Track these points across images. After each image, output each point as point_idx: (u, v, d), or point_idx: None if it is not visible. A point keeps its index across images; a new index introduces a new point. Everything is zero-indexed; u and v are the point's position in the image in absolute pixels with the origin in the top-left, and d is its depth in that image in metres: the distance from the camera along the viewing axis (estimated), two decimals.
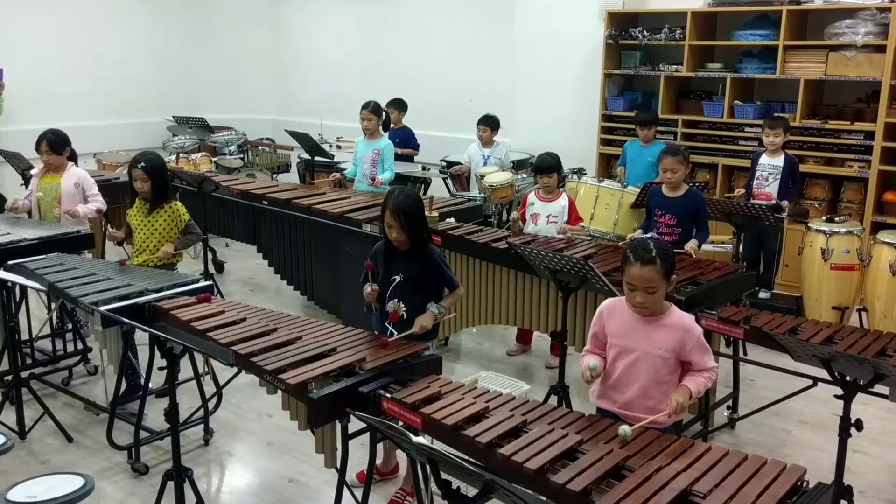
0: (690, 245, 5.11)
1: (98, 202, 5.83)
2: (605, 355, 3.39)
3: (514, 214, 5.90)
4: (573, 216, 5.66)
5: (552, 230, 5.59)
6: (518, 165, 8.08)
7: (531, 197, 5.79)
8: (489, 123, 7.63)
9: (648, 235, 5.07)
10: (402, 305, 3.95)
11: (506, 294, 5.29)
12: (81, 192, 5.78)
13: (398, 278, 3.95)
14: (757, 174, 6.54)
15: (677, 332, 3.23)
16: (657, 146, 6.85)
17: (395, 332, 3.90)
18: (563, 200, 5.66)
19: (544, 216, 5.64)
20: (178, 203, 5.21)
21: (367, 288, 3.97)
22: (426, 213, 5.50)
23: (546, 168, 5.62)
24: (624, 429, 2.92)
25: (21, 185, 7.07)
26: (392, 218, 3.85)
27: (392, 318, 3.97)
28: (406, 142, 8.51)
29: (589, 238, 5.82)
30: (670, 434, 3.09)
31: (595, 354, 3.43)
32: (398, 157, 8.17)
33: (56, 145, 5.73)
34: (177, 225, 5.14)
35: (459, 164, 7.92)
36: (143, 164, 4.99)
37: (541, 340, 6.08)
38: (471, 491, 2.53)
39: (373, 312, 4.11)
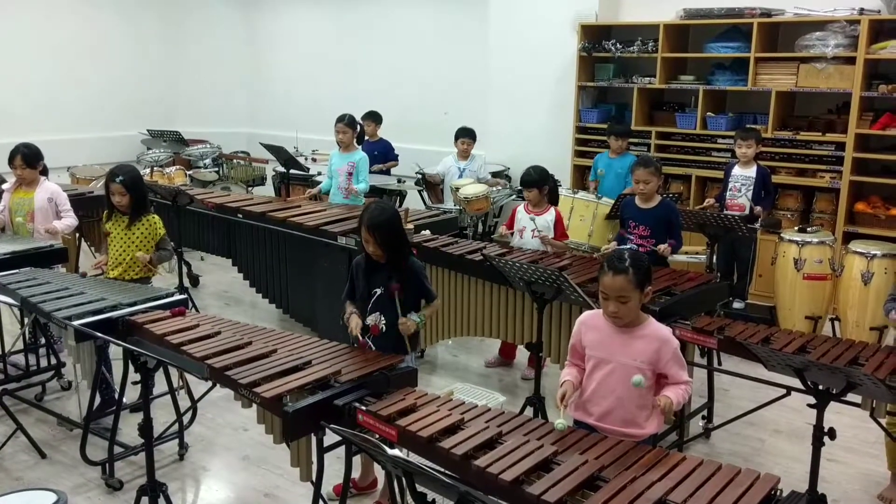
0: (663, 247, 5.16)
1: (71, 217, 5.81)
2: (584, 366, 3.41)
3: (502, 229, 5.90)
4: (559, 231, 5.62)
5: (537, 244, 5.59)
6: (493, 177, 8.11)
7: (519, 209, 5.75)
8: (470, 136, 7.66)
9: (627, 247, 5.10)
10: (383, 319, 3.95)
11: (481, 306, 5.29)
12: (54, 207, 5.76)
13: (378, 292, 3.95)
14: (730, 185, 6.59)
15: (654, 343, 3.25)
16: (627, 158, 6.91)
17: (374, 346, 3.92)
18: (549, 215, 5.60)
19: (530, 230, 5.63)
20: (156, 216, 5.19)
21: (353, 324, 3.97)
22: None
23: (528, 182, 5.59)
24: (561, 423, 3.06)
25: None
26: (367, 233, 3.87)
27: (372, 332, 3.97)
28: (386, 154, 8.54)
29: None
30: (645, 445, 3.10)
31: (574, 366, 3.46)
32: (380, 171, 8.19)
33: (30, 159, 5.70)
34: (153, 238, 5.12)
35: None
36: (121, 177, 4.97)
37: (522, 356, 6.08)
38: (446, 503, 2.52)
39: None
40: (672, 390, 3.24)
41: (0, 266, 4.97)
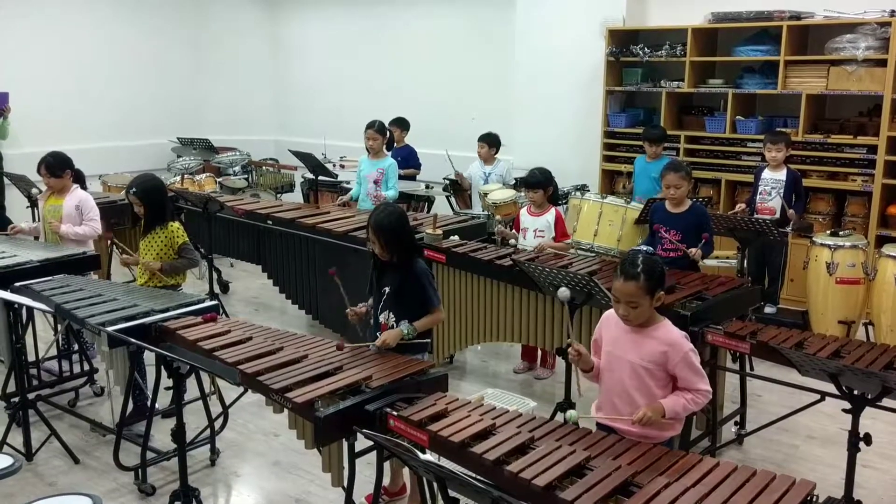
0: (694, 250, 5.12)
1: (90, 227, 5.76)
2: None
3: (499, 227, 5.97)
4: (559, 231, 5.67)
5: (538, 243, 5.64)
6: (520, 182, 8.09)
7: (523, 212, 5.85)
8: (487, 140, 7.65)
9: (645, 248, 5.07)
10: (392, 316, 4.02)
11: (510, 311, 5.28)
12: (80, 215, 5.78)
13: (387, 290, 4.02)
14: (760, 189, 6.54)
15: (662, 345, 3.24)
16: (662, 162, 6.86)
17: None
18: (549, 216, 5.67)
19: (531, 230, 5.70)
20: (176, 224, 5.19)
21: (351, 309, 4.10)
22: (430, 231, 5.58)
23: (532, 183, 5.68)
24: (571, 413, 3.08)
25: (27, 207, 7.10)
26: (373, 234, 3.99)
27: (382, 329, 4.04)
28: (408, 161, 8.54)
29: (581, 254, 5.84)
30: (669, 449, 3.08)
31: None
32: (400, 177, 8.20)
33: (54, 168, 5.71)
34: (171, 246, 5.14)
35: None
36: (134, 189, 5.05)
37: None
38: None
39: (369, 325, 4.20)
40: (672, 398, 3.23)
41: (34, 273, 5.03)
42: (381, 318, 4.05)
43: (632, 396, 3.26)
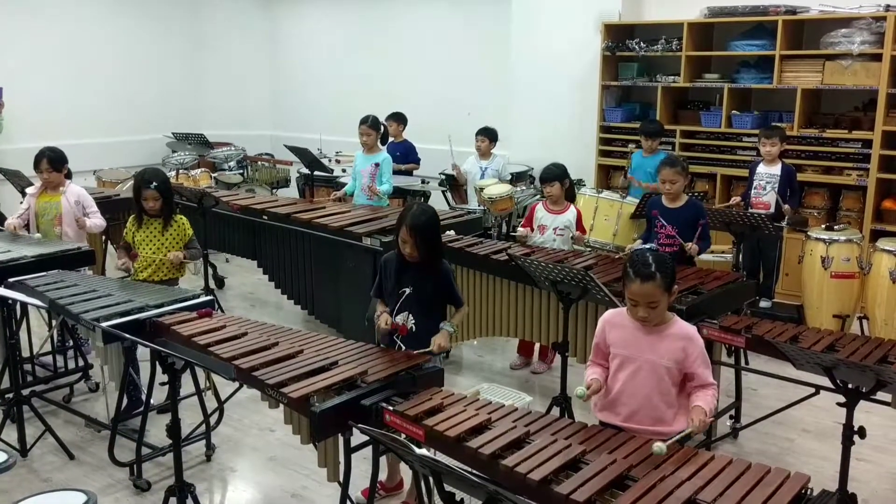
0: (691, 245, 5.12)
1: (99, 218, 5.87)
2: (609, 366, 3.40)
3: (521, 230, 5.87)
4: (579, 229, 5.68)
5: (559, 242, 5.60)
6: (517, 177, 8.09)
7: (539, 207, 5.77)
8: (487, 134, 7.65)
9: (648, 247, 5.08)
10: (412, 318, 3.96)
11: (507, 306, 5.28)
12: (81, 210, 5.81)
13: (408, 291, 3.96)
14: (755, 183, 6.54)
15: (680, 341, 3.24)
16: (659, 157, 6.86)
17: (403, 346, 3.94)
18: (570, 214, 5.65)
19: (551, 228, 5.65)
20: (183, 217, 5.29)
21: (382, 323, 3.99)
22: None
23: (548, 178, 5.63)
24: (659, 446, 2.81)
25: (21, 202, 7.07)
26: (408, 234, 3.87)
27: (401, 332, 3.99)
28: (407, 156, 8.53)
29: (588, 249, 5.83)
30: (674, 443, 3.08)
31: (598, 365, 3.45)
32: (400, 172, 8.19)
33: (56, 163, 5.76)
34: (183, 238, 5.22)
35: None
36: (155, 184, 5.05)
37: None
38: (475, 503, 2.52)
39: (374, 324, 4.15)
40: (701, 397, 3.21)
41: (28, 269, 5.01)
42: (399, 320, 3.99)
43: (649, 396, 3.25)
